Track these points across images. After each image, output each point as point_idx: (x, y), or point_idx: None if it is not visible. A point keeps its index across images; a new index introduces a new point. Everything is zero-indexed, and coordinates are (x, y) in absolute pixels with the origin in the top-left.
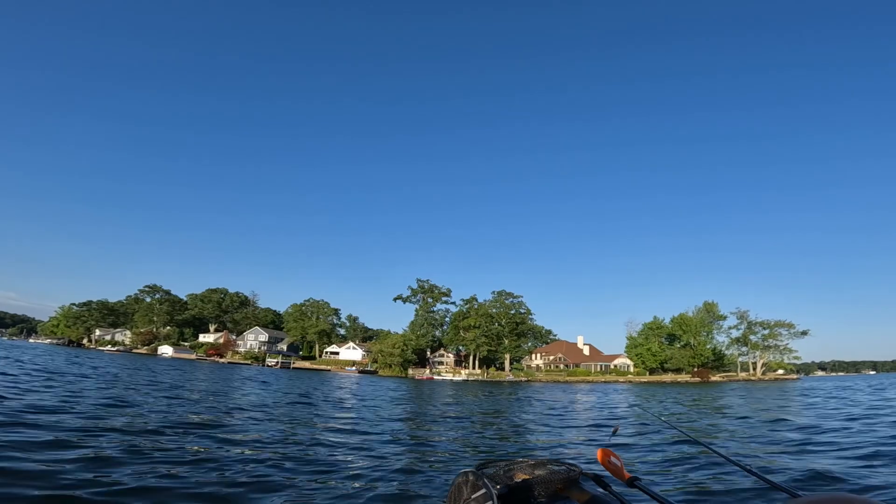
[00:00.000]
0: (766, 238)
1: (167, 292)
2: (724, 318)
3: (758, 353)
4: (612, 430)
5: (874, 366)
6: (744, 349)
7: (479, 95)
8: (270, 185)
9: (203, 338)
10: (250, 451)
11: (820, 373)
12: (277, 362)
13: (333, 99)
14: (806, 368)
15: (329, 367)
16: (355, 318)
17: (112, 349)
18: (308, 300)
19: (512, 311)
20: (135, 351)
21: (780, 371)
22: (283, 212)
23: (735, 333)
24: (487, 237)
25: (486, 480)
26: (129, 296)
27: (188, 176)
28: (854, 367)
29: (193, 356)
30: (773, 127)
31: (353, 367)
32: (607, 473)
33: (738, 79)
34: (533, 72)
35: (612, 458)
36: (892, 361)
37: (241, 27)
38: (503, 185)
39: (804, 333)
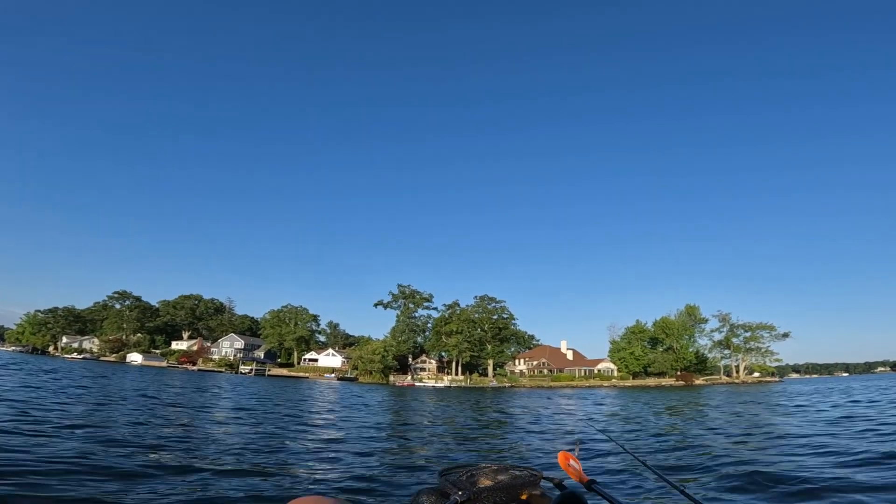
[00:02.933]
0: (742, 243)
1: (137, 298)
2: (706, 321)
3: (740, 355)
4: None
5: (847, 368)
6: (726, 352)
7: (459, 102)
8: (248, 190)
9: (176, 345)
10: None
11: (794, 375)
12: (251, 369)
13: (309, 104)
14: (781, 371)
15: (307, 375)
16: (336, 325)
17: (77, 357)
18: (286, 306)
19: (494, 317)
20: (102, 359)
21: (757, 374)
22: (261, 217)
23: (717, 336)
24: (469, 242)
25: (448, 487)
26: (98, 302)
27: (160, 181)
28: (827, 369)
29: (164, 364)
30: (752, 133)
31: (332, 374)
32: (568, 477)
33: (720, 84)
34: (513, 78)
35: (572, 462)
36: (864, 364)
37: (191, 28)
38: (485, 189)
39: (785, 335)
